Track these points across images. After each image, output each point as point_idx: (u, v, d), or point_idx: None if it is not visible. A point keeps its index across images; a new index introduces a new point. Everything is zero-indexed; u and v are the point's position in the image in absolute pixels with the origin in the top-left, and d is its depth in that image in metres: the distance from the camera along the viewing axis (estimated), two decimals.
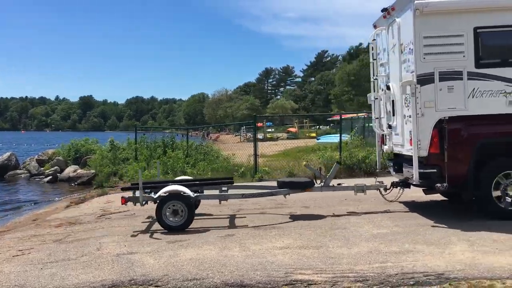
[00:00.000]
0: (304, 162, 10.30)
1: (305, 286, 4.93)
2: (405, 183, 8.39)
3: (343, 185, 8.72)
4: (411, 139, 7.41)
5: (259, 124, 47.74)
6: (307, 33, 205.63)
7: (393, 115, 8.30)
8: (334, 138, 29.76)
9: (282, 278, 5.12)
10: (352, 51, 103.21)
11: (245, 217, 8.53)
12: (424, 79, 7.22)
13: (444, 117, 7.17)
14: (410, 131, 7.44)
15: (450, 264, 5.31)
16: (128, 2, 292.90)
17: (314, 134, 47.63)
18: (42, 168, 21.88)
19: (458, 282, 4.83)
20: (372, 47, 9.22)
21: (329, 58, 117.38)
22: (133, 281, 5.23)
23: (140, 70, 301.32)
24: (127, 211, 9.77)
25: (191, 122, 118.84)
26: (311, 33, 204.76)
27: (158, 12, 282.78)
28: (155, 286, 5.13)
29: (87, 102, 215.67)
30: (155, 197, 7.73)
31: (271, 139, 41.69)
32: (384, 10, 8.43)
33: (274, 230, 7.32)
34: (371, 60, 9.30)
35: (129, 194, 8.41)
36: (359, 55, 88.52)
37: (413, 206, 8.75)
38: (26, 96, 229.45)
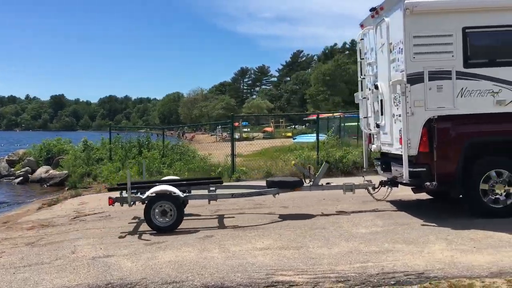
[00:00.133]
0: (293, 162, 10.29)
1: None
2: (393, 182, 8.44)
3: (331, 184, 8.73)
4: (400, 138, 7.45)
5: (235, 124, 47.61)
6: (282, 33, 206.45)
7: (382, 114, 8.34)
8: (310, 138, 29.94)
9: (263, 279, 5.06)
10: (327, 51, 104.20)
11: (223, 218, 8.44)
12: (414, 78, 7.27)
13: (434, 116, 7.24)
14: (400, 130, 7.48)
15: (430, 263, 5.34)
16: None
17: (290, 134, 47.74)
18: (13, 169, 21.33)
19: (438, 281, 4.85)
20: (360, 47, 9.25)
21: (305, 58, 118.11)
22: (110, 285, 5.09)
23: (113, 68, 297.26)
24: (102, 212, 9.57)
25: (166, 122, 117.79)
26: (286, 33, 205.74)
27: (131, 11, 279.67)
28: None
29: (58, 101, 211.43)
30: (143, 197, 7.59)
31: (247, 138, 41.57)
32: (372, 9, 8.46)
33: (254, 231, 7.26)
34: (358, 59, 9.33)
35: (114, 194, 8.17)
36: (334, 56, 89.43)
37: (392, 205, 8.81)
38: None
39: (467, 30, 7.27)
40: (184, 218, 8.49)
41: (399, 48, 7.44)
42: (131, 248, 6.55)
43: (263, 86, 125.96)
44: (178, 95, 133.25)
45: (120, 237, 7.27)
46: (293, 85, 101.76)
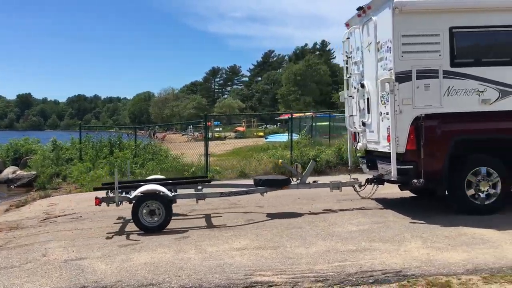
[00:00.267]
0: (280, 161, 10.32)
1: None
2: (379, 180, 8.50)
3: (318, 182, 8.77)
4: (388, 136, 7.52)
5: (207, 123, 47.39)
6: (253, 33, 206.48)
7: (368, 112, 8.40)
8: (282, 137, 30.01)
9: (241, 280, 4.99)
10: (298, 51, 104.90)
11: (198, 218, 8.34)
12: (402, 77, 7.35)
13: (421, 115, 7.34)
14: (388, 128, 7.54)
15: (407, 261, 5.38)
16: None
17: (261, 133, 47.85)
18: None
19: (416, 279, 4.89)
20: (346, 46, 9.32)
21: (276, 58, 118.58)
22: None
23: (82, 67, 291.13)
24: (73, 214, 9.33)
25: (136, 121, 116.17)
26: (257, 33, 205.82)
27: (101, 8, 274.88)
28: None
29: (25, 100, 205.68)
30: (131, 197, 7.44)
31: (219, 138, 41.45)
32: (359, 8, 8.52)
33: (230, 231, 7.19)
34: (344, 58, 9.40)
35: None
36: (305, 56, 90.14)
37: (369, 204, 8.86)
38: None
39: (453, 30, 7.41)
40: None
41: (387, 47, 7.51)
42: (105, 250, 6.38)
43: (235, 86, 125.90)
44: (149, 94, 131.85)
45: (93, 238, 7.09)
46: (264, 85, 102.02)
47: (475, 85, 7.45)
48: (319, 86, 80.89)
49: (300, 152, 14.55)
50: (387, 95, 7.47)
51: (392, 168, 7.39)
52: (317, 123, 28.83)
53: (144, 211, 7.34)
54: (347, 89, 9.31)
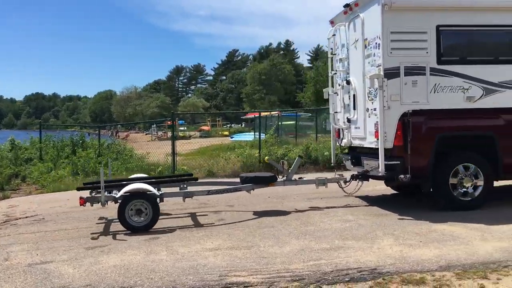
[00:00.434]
0: (267, 158, 10.26)
1: None
2: (364, 176, 8.55)
3: (304, 179, 8.78)
4: (376, 132, 7.57)
5: (171, 122, 46.80)
6: (217, 32, 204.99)
7: (354, 108, 8.43)
8: (248, 136, 30.00)
9: (216, 281, 4.88)
10: (262, 51, 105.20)
11: (167, 218, 8.15)
12: (391, 73, 7.43)
13: (408, 111, 7.42)
14: (375, 124, 7.59)
15: (381, 258, 5.39)
16: None
17: (227, 133, 47.64)
18: None
19: (391, 277, 4.89)
20: (331, 43, 9.39)
21: (240, 57, 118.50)
22: None
23: (40, 65, 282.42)
24: (35, 215, 8.96)
25: (97, 120, 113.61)
26: (221, 32, 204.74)
27: (61, 4, 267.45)
28: None
29: None
30: (117, 196, 7.23)
31: (184, 137, 41.02)
32: (346, 6, 8.57)
33: (201, 231, 7.05)
34: (329, 55, 9.49)
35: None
36: (269, 55, 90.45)
37: (340, 202, 8.89)
38: None
39: (440, 28, 7.55)
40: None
41: (376, 43, 7.58)
42: (71, 253, 6.13)
43: (199, 85, 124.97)
44: (110, 93, 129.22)
45: (58, 241, 6.80)
46: (229, 84, 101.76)
47: (460, 83, 7.61)
48: (284, 86, 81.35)
49: (268, 151, 14.50)
50: (375, 91, 7.56)
51: (380, 164, 7.45)
52: (283, 122, 29.00)
53: (131, 210, 7.16)
54: (332, 86, 9.38)
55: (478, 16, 7.70)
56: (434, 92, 7.54)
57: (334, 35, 9.28)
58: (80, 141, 17.38)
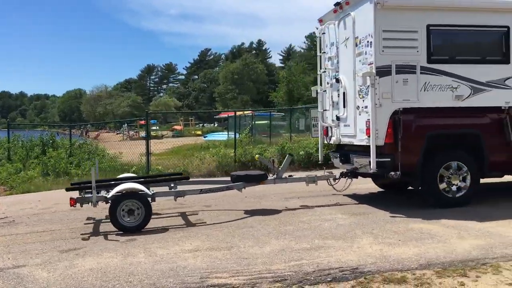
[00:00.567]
0: (257, 156, 10.22)
1: None
2: (353, 173, 8.60)
3: (294, 176, 8.78)
4: (367, 129, 7.62)
5: (143, 122, 46.25)
6: (189, 31, 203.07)
7: (344, 106, 8.48)
8: (221, 136, 29.88)
9: (197, 284, 4.79)
10: (234, 50, 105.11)
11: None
12: (382, 71, 7.49)
13: (399, 109, 7.51)
14: (367, 121, 7.64)
15: (362, 258, 5.40)
16: None
17: (199, 132, 47.35)
18: None
19: (373, 276, 4.90)
20: (321, 41, 9.44)
21: (212, 56, 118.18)
22: None
23: (6, 63, 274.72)
24: (5, 218, 8.65)
25: (67, 120, 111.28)
26: (193, 31, 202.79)
27: (28, 2, 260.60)
28: None
29: None
30: (109, 196, 7.07)
31: (156, 137, 40.54)
32: (336, 4, 8.59)
33: (179, 232, 6.93)
34: (318, 53, 9.53)
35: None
36: (241, 55, 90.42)
37: (318, 202, 8.89)
38: None
39: (431, 28, 7.66)
40: (92, 221, 8.04)
41: (368, 41, 7.63)
42: (45, 256, 5.93)
43: (171, 84, 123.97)
44: (80, 92, 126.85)
45: (30, 244, 6.57)
46: (201, 83, 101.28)
47: (450, 82, 7.75)
48: (256, 85, 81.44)
49: (244, 150, 14.44)
50: (366, 89, 7.62)
51: (372, 161, 7.50)
52: (256, 122, 29.00)
53: (123, 210, 7.03)
54: (321, 85, 9.46)
55: (467, 16, 7.85)
56: (424, 91, 7.65)
57: (323, 33, 9.33)
58: (51, 141, 16.95)
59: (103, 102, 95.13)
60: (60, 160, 14.56)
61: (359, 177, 8.94)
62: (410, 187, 9.38)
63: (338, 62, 8.81)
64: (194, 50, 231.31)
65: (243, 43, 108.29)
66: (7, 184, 13.16)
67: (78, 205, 7.31)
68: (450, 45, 7.93)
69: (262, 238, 6.42)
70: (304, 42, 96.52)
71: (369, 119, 7.57)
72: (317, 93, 9.71)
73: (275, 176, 8.44)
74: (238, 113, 33.23)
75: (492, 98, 7.89)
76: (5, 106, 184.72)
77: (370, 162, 7.54)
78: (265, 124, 30.67)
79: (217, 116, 59.67)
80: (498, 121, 7.91)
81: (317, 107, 10.00)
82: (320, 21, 9.47)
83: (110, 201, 7.09)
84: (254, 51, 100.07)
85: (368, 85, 7.50)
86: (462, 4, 7.87)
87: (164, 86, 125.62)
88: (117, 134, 51.50)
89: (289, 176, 8.71)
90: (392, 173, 7.49)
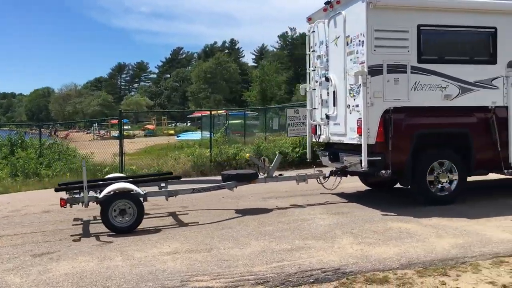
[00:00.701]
0: (247, 154, 10.15)
1: None
2: (343, 172, 8.62)
3: (284, 175, 8.80)
4: (358, 128, 7.64)
5: (114, 121, 45.54)
6: (160, 29, 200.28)
7: (334, 105, 8.49)
8: (195, 135, 29.68)
9: (178, 287, 4.67)
10: (207, 49, 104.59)
11: None
12: (374, 70, 7.52)
13: (390, 108, 7.55)
14: (358, 120, 7.66)
15: (343, 258, 5.38)
16: None
17: (172, 132, 46.91)
18: None
19: (355, 276, 4.87)
20: (310, 40, 9.48)
21: (185, 55, 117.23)
22: None
23: None
24: None
25: (34, 119, 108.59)
26: (165, 29, 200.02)
27: None
28: None
29: None
30: (100, 196, 6.92)
31: (128, 136, 39.96)
32: (327, 3, 8.62)
33: (157, 234, 6.79)
34: (307, 52, 9.57)
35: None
36: (214, 54, 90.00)
37: (296, 202, 8.86)
38: None
39: (421, 28, 7.73)
40: (72, 223, 7.81)
41: (359, 40, 7.66)
42: (16, 261, 5.70)
43: (142, 83, 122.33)
44: (48, 90, 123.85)
45: (0, 248, 6.32)
46: (173, 82, 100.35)
47: (439, 81, 7.85)
48: (229, 84, 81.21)
49: (219, 150, 14.31)
50: (357, 88, 7.65)
51: (363, 160, 7.53)
52: (230, 121, 28.89)
53: (115, 211, 6.89)
54: (310, 83, 9.50)
55: (456, 17, 7.96)
56: (415, 90, 7.73)
57: (314, 31, 9.34)
58: (19, 141, 16.44)
59: (73, 101, 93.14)
60: (30, 161, 14.15)
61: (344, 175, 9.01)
62: (395, 186, 9.52)
63: (327, 61, 8.84)
64: (166, 48, 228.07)
65: (215, 42, 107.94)
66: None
67: (50, 207, 7.11)
68: (439, 45, 8.03)
69: (242, 239, 6.33)
70: (277, 42, 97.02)
71: (360, 118, 7.61)
72: (305, 91, 9.74)
73: (265, 175, 8.44)
74: (213, 112, 33.09)
75: (480, 98, 8.04)
76: None
77: (361, 160, 7.60)
78: (239, 123, 30.60)
79: (190, 116, 59.25)
80: (485, 120, 8.06)
81: (292, 106, 10.04)
82: (309, 19, 9.52)
83: (101, 201, 6.98)
84: (227, 50, 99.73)
85: (360, 84, 7.55)
86: (452, 4, 7.97)
87: (136, 85, 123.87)
88: (87, 133, 50.57)
89: (279, 175, 8.73)
90: (383, 171, 7.57)
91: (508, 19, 8.13)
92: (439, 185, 7.95)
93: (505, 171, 8.07)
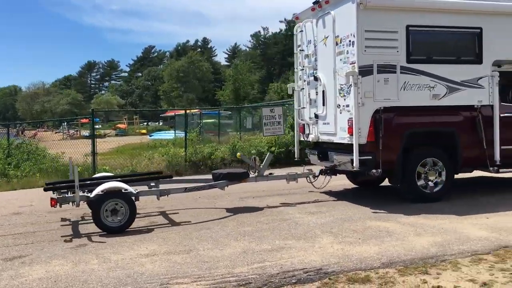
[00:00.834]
0: (239, 153, 10.08)
1: None
2: (332, 171, 8.68)
3: (275, 174, 8.78)
4: (349, 128, 7.67)
5: (84, 120, 44.64)
6: (132, 27, 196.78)
7: (323, 104, 8.51)
8: (168, 135, 29.34)
9: None
10: (179, 48, 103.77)
11: (91, 223, 7.57)
12: (365, 71, 7.57)
13: (380, 108, 7.60)
14: (349, 120, 7.68)
15: (325, 258, 5.34)
16: None
17: (144, 131, 46.29)
18: None
19: (337, 276, 4.84)
20: (299, 39, 9.49)
21: (156, 54, 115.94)
22: None
23: None
24: None
25: (0, 118, 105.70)
26: (136, 27, 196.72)
27: None
28: None
29: None
30: (92, 195, 6.78)
31: (99, 136, 39.19)
32: (315, 2, 8.60)
33: (133, 236, 6.62)
34: (295, 51, 9.60)
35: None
36: (186, 53, 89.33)
37: (274, 201, 8.81)
38: None
39: (410, 28, 7.81)
40: (44, 225, 7.55)
41: (350, 41, 7.69)
42: None
43: (113, 82, 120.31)
44: (15, 88, 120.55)
45: None
46: (145, 81, 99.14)
47: (427, 81, 7.94)
48: (202, 83, 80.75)
49: (194, 149, 14.14)
50: (348, 88, 7.68)
51: (355, 159, 7.57)
52: (204, 120, 28.69)
53: (107, 210, 6.76)
54: (297, 82, 9.55)
55: (443, 17, 8.07)
56: (404, 90, 7.82)
57: (302, 30, 9.35)
58: None
59: (41, 100, 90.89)
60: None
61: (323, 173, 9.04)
62: (381, 184, 9.72)
63: (316, 60, 8.86)
64: (137, 47, 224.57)
65: (188, 41, 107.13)
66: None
67: (20, 209, 6.88)
68: (428, 46, 8.11)
69: (221, 240, 6.24)
70: (250, 41, 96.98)
71: (351, 118, 7.66)
72: (293, 90, 9.76)
73: (256, 174, 8.44)
74: (193, 110, 32.75)
75: (466, 97, 8.17)
76: None
77: (351, 160, 7.66)
78: (212, 122, 30.42)
79: (162, 115, 58.59)
80: (471, 119, 8.21)
81: (267, 105, 10.05)
82: (297, 18, 9.55)
83: (93, 201, 6.87)
84: (199, 49, 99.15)
85: (351, 84, 7.59)
86: (439, 5, 8.07)
87: (106, 84, 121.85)
88: (56, 133, 49.39)
89: (270, 174, 8.73)
90: (374, 170, 7.65)
91: (492, 19, 8.31)
92: (428, 183, 8.07)
93: (491, 168, 8.25)
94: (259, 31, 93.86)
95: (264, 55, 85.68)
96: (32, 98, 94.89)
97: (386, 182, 9.32)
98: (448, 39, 8.20)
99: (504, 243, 5.69)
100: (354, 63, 7.60)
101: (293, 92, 9.80)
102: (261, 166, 8.53)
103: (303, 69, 9.36)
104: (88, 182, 7.71)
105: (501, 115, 8.31)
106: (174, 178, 9.08)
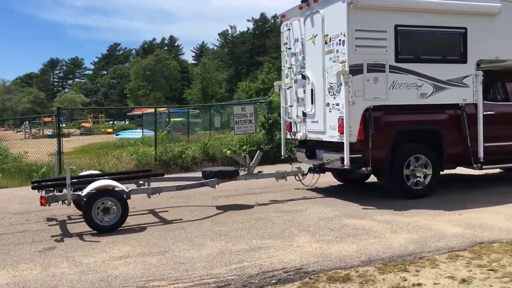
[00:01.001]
0: (229, 151, 9.99)
1: None
2: (321, 168, 8.67)
3: (264, 172, 8.75)
4: (340, 126, 7.70)
5: (48, 119, 43.45)
6: (96, 24, 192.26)
7: (312, 103, 8.52)
8: (135, 134, 28.84)
9: None
10: (146, 46, 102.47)
11: (64, 224, 7.30)
12: (355, 70, 7.61)
13: (370, 106, 7.64)
14: (339, 118, 7.71)
15: (304, 257, 5.27)
16: None
17: (110, 130, 45.41)
18: None
19: (317, 275, 4.77)
20: (286, 37, 9.44)
21: (122, 51, 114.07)
22: None
23: None
24: None
25: None
26: (101, 24, 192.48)
27: None
28: None
29: None
30: (83, 193, 6.59)
31: (63, 135, 38.17)
32: (303, 1, 8.56)
33: (104, 237, 6.38)
34: (282, 49, 9.57)
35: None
36: (153, 51, 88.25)
37: (247, 200, 8.69)
38: None
39: (398, 28, 7.87)
40: (8, 227, 7.23)
41: (340, 40, 7.71)
42: None
43: (77, 79, 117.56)
44: None
45: None
46: (110, 79, 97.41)
47: (415, 80, 8.03)
48: (169, 82, 79.96)
49: (165, 148, 13.89)
50: (338, 86, 7.70)
51: (345, 157, 7.59)
52: (172, 119, 28.37)
53: (98, 209, 6.60)
54: (284, 80, 9.53)
55: (429, 17, 8.13)
56: (393, 89, 7.88)
57: (289, 29, 9.29)
58: None
59: (1, 98, 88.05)
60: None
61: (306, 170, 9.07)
62: (366, 181, 9.85)
63: (304, 59, 8.85)
64: (102, 44, 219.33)
65: (154, 39, 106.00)
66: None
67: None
68: (415, 45, 8.19)
69: (196, 240, 6.09)
70: (217, 40, 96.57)
71: (341, 116, 7.68)
72: (279, 88, 9.75)
73: (246, 172, 8.42)
74: (152, 110, 32.32)
75: (451, 96, 8.30)
76: None
77: (342, 158, 7.70)
78: (180, 121, 30.10)
79: (129, 113, 57.61)
80: (456, 117, 8.36)
81: (239, 103, 9.99)
82: (283, 16, 9.51)
83: (84, 199, 6.68)
84: (166, 47, 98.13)
85: (341, 83, 7.60)
86: (426, 5, 8.14)
87: (70, 82, 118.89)
88: (17, 132, 47.88)
89: (259, 172, 8.71)
90: (364, 168, 7.70)
91: (476, 19, 8.45)
92: (415, 180, 8.18)
93: (475, 165, 8.42)
94: (226, 30, 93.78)
95: (231, 54, 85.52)
96: None
97: (370, 179, 9.50)
98: (435, 39, 8.30)
99: (479, 239, 5.76)
100: (345, 62, 7.64)
101: (279, 90, 9.77)
102: (251, 165, 8.50)
103: (290, 68, 9.31)
104: (75, 180, 7.44)
105: (484, 113, 8.49)
106: (167, 176, 9.00)
